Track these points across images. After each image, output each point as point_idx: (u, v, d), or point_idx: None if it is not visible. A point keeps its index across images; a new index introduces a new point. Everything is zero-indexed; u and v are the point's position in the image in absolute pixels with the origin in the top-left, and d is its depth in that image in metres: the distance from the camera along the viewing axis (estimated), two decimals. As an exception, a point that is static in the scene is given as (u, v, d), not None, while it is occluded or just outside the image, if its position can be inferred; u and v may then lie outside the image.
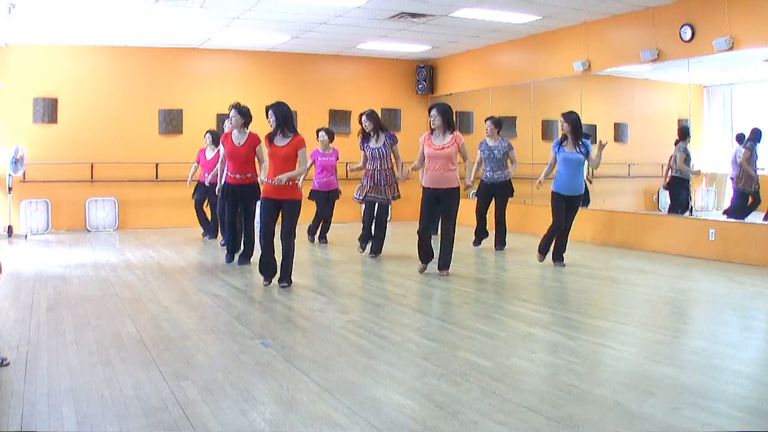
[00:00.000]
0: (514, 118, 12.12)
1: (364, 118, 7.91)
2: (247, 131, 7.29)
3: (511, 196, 8.81)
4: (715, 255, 7.98)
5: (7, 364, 3.88)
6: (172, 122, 11.76)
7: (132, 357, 4.11)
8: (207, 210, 10.04)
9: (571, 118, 7.22)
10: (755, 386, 3.63)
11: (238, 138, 7.25)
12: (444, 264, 6.90)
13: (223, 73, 12.08)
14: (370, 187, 7.94)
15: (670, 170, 9.43)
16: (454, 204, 6.76)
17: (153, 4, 8.46)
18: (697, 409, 3.24)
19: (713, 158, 10.26)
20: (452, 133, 6.70)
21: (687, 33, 8.19)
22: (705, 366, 3.96)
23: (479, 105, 12.18)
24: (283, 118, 6.08)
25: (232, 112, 7.24)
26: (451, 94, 12.97)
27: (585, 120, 10.70)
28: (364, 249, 8.40)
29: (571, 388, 3.54)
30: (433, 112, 6.73)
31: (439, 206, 6.80)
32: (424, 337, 4.65)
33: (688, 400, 3.35)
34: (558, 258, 7.48)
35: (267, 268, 6.34)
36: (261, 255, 6.35)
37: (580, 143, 7.21)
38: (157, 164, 11.56)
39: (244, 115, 7.23)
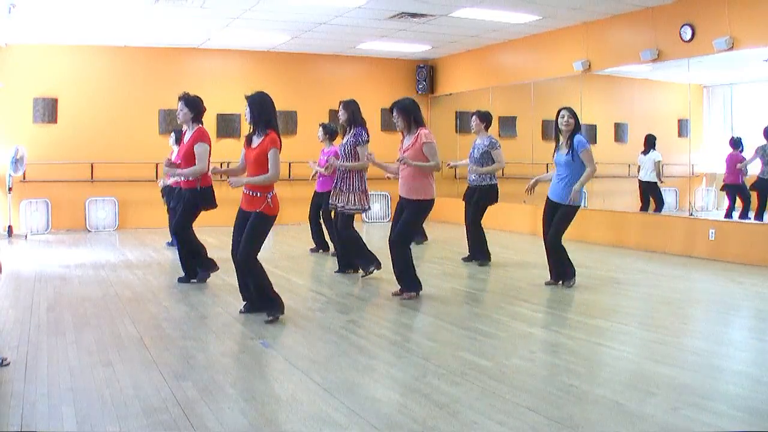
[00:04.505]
0: (514, 118, 12.13)
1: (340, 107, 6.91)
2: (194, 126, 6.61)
3: (494, 202, 7.66)
4: (715, 255, 7.98)
5: (7, 364, 3.88)
6: (172, 122, 11.73)
7: (132, 357, 4.11)
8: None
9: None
10: (755, 386, 3.63)
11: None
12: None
13: (223, 73, 12.07)
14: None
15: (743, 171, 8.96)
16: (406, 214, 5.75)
17: (153, 4, 8.46)
18: (697, 409, 3.24)
19: (713, 158, 10.25)
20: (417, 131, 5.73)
21: (687, 33, 8.19)
22: (705, 366, 3.96)
23: (479, 105, 12.04)
24: (257, 111, 4.98)
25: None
26: (451, 94, 12.98)
27: (585, 120, 10.73)
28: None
29: (571, 388, 3.54)
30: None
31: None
32: (424, 337, 4.66)
33: (688, 400, 3.35)
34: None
35: (242, 290, 5.30)
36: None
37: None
38: (157, 164, 11.52)
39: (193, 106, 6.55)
